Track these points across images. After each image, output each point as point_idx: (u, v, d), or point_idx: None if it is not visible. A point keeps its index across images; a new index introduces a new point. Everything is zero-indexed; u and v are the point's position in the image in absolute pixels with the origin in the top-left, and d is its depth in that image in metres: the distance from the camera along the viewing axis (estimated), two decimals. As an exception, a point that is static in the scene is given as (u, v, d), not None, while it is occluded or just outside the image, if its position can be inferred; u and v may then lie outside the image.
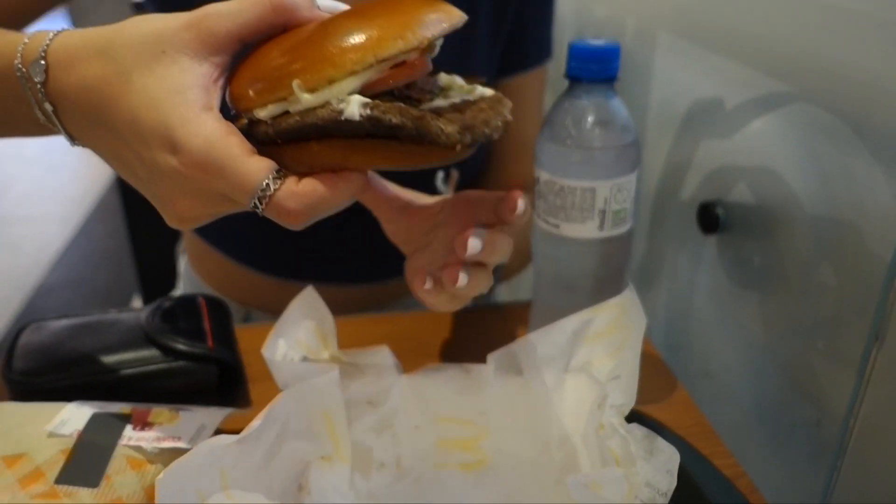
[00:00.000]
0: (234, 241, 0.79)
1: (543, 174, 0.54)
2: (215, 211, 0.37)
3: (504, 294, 1.45)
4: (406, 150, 0.35)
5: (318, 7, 0.37)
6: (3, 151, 3.72)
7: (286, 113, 0.35)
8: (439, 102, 0.37)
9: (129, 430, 0.44)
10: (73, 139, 0.39)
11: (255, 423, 0.38)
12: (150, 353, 0.54)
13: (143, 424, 0.44)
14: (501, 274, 0.73)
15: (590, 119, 0.52)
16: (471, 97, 0.38)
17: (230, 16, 0.35)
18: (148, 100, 0.34)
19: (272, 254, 0.78)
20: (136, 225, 1.25)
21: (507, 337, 0.53)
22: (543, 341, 0.49)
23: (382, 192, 0.51)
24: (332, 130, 0.34)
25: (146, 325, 0.56)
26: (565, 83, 0.53)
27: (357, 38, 0.33)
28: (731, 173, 0.63)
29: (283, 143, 0.36)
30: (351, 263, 0.78)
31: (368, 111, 0.33)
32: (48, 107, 0.37)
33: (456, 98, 0.38)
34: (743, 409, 0.64)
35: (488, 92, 0.39)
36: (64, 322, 0.58)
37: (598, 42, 0.51)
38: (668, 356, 0.62)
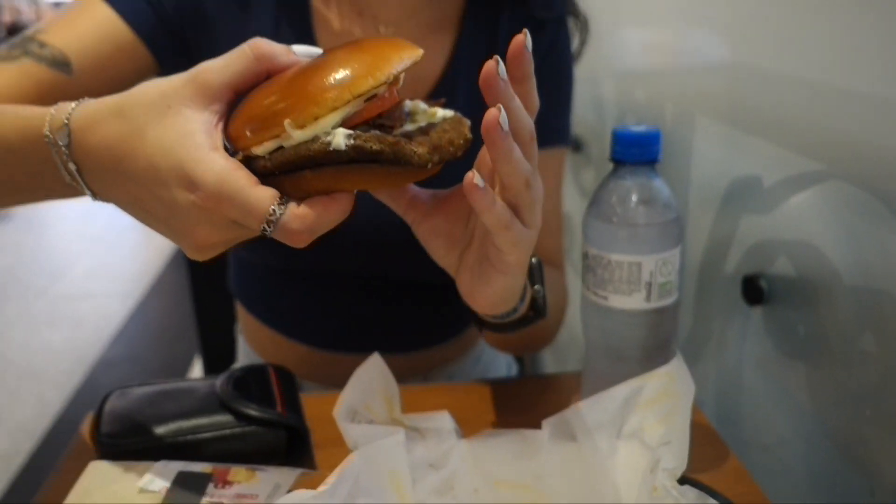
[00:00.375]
0: (283, 317, 0.84)
1: (591, 249, 0.57)
2: (230, 237, 0.42)
3: (553, 366, 1.47)
4: (386, 172, 0.41)
5: (295, 53, 0.43)
6: (68, 231, 3.92)
7: (280, 148, 0.41)
8: (408, 127, 0.44)
9: (211, 488, 0.47)
10: (95, 194, 0.45)
11: (331, 479, 0.42)
12: (225, 418, 0.58)
13: (224, 483, 0.48)
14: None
15: (634, 198, 0.56)
16: (434, 120, 0.45)
17: (221, 69, 0.41)
18: (162, 148, 0.40)
19: (318, 328, 0.82)
20: (201, 303, 1.33)
21: (559, 405, 0.56)
22: (595, 408, 0.51)
23: (407, 194, 0.52)
24: (322, 160, 0.40)
25: (220, 392, 0.61)
26: (610, 165, 0.58)
27: (334, 79, 0.39)
28: (773, 247, 0.65)
29: (281, 174, 0.41)
30: (394, 334, 0.82)
31: (352, 141, 0.39)
32: (73, 166, 0.43)
33: (422, 122, 0.45)
34: (795, 478, 0.64)
35: (449, 114, 0.46)
36: (145, 389, 0.63)
37: (639, 128, 0.56)
38: (719, 426, 0.64)
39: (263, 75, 0.43)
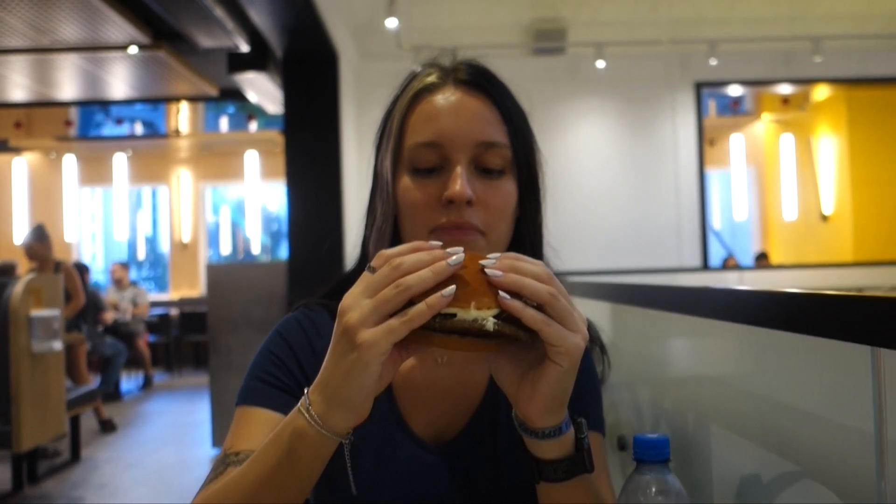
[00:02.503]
0: None
1: (623, 531, 0.73)
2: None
3: None
4: (484, 344, 0.66)
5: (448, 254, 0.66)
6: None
7: (454, 315, 0.63)
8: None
9: None
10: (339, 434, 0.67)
11: None
12: None
13: None
14: None
15: (652, 489, 0.73)
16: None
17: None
18: None
19: None
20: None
21: None
22: None
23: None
24: (464, 332, 0.64)
25: None
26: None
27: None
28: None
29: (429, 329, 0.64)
30: None
31: (496, 327, 0.64)
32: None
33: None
34: None
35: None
36: None
37: (653, 435, 0.75)
38: None
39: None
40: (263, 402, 0.86)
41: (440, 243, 0.68)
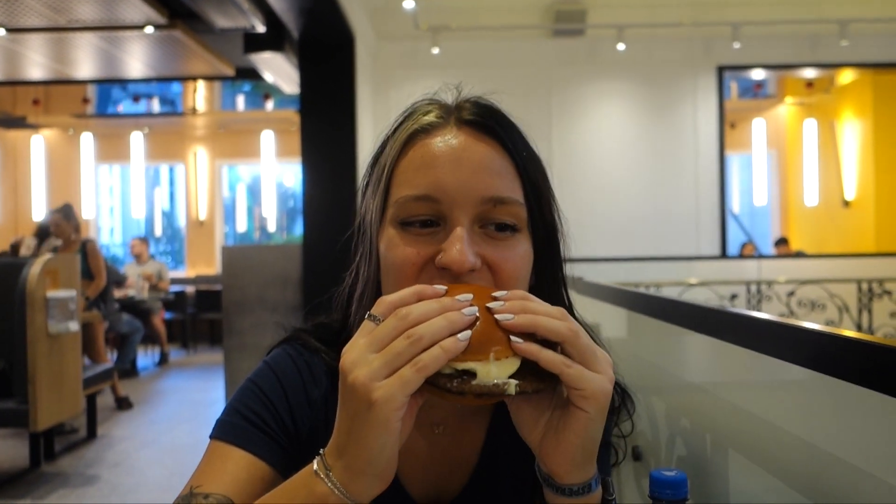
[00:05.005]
0: None
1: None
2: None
3: None
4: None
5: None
6: None
7: (473, 375, 0.59)
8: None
9: None
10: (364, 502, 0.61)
11: None
12: None
13: None
14: None
15: (668, 530, 0.70)
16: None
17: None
18: None
19: None
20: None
21: None
22: None
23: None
24: (484, 394, 0.60)
25: None
26: None
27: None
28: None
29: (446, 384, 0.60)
30: None
31: (517, 390, 0.59)
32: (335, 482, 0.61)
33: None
34: None
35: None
36: None
37: (670, 473, 0.72)
38: None
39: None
40: (242, 443, 0.79)
41: (445, 288, 0.63)
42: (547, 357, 0.60)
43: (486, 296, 0.64)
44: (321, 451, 0.65)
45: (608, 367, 0.63)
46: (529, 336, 0.62)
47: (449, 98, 0.80)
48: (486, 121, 0.76)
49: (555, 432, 0.65)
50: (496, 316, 0.61)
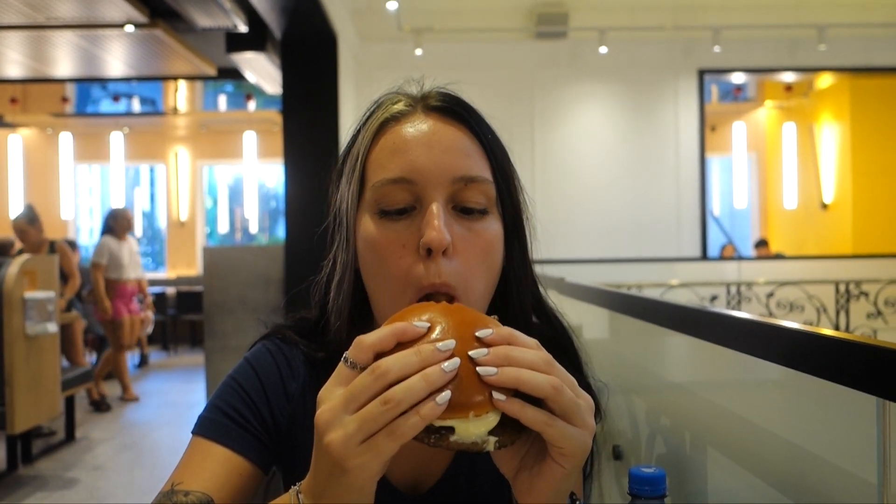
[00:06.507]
0: None
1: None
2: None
3: None
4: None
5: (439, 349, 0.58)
6: None
7: (451, 430, 0.57)
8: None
9: None
10: None
11: None
12: None
13: None
14: None
15: (648, 527, 0.71)
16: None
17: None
18: None
19: None
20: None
21: None
22: None
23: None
24: (465, 450, 0.58)
25: None
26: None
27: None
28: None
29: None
30: None
31: (497, 447, 0.58)
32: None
33: None
34: None
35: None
36: None
37: (649, 470, 0.73)
38: None
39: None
40: (223, 440, 0.81)
41: (426, 325, 0.60)
42: (529, 417, 0.59)
43: (469, 334, 0.61)
44: (297, 484, 0.64)
45: (589, 416, 0.61)
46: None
47: (414, 90, 0.84)
48: (453, 106, 0.81)
49: (529, 474, 0.64)
50: (478, 370, 0.58)
